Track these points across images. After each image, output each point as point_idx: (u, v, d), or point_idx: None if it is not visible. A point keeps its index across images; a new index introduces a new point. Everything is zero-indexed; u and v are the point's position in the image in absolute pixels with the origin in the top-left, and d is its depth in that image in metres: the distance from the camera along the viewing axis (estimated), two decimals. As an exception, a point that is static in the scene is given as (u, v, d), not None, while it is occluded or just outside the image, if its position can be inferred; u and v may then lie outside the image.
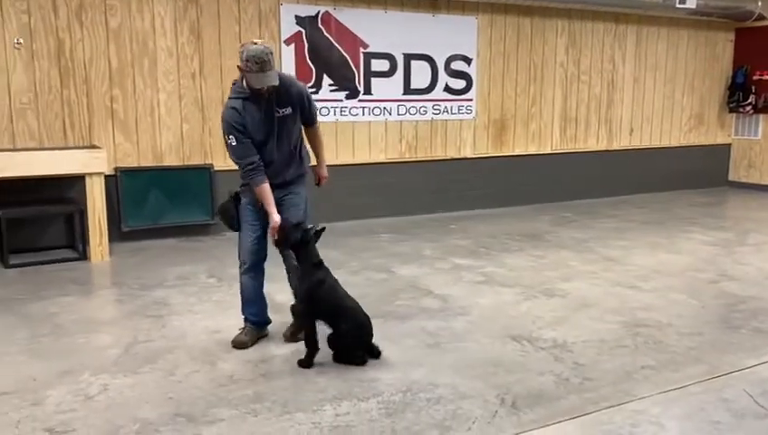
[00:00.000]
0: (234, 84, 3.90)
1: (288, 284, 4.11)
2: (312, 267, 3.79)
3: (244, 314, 4.16)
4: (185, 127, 6.96)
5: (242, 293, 4.15)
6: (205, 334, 4.27)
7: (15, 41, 6.09)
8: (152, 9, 6.64)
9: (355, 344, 3.74)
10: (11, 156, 5.79)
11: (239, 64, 3.69)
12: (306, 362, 3.74)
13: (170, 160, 6.93)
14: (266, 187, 3.82)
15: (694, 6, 9.00)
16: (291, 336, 4.08)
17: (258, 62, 3.59)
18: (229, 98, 3.87)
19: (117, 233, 6.56)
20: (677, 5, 8.85)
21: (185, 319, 4.57)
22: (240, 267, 4.10)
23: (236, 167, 3.91)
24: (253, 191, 3.89)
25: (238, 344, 4.03)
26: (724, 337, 4.29)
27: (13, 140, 6.19)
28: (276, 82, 3.70)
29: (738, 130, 10.84)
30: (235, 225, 4.06)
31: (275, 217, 3.81)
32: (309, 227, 3.85)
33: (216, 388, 3.51)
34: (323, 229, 3.86)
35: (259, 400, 3.37)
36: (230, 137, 3.78)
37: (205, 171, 7.04)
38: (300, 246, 3.80)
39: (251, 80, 3.67)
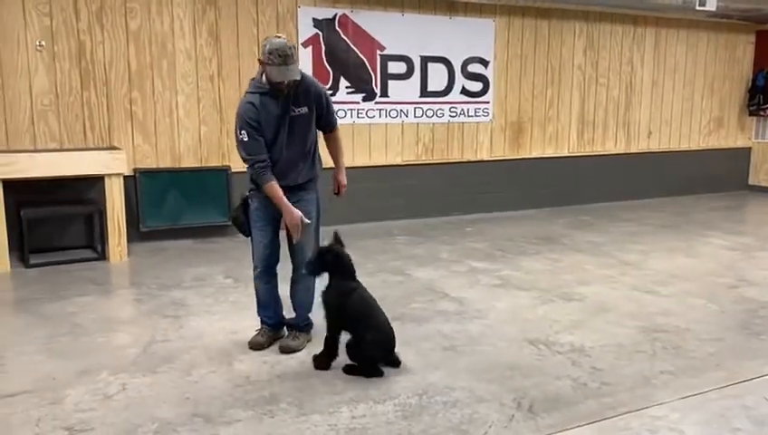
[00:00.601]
0: (252, 80, 3.87)
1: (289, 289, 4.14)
2: (346, 279, 3.76)
3: (259, 315, 4.18)
4: (203, 129, 7.01)
5: (256, 296, 4.14)
6: (221, 335, 4.30)
7: (37, 43, 6.17)
8: (171, 11, 6.70)
9: (379, 356, 3.70)
10: (32, 157, 5.87)
11: (260, 57, 3.68)
12: (324, 365, 3.74)
13: (188, 162, 6.98)
14: (275, 184, 3.77)
15: (714, 9, 8.90)
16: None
17: (281, 55, 3.57)
18: (247, 92, 3.83)
19: (135, 233, 6.62)
20: (697, 8, 8.75)
21: (202, 319, 4.60)
22: (253, 271, 4.09)
23: (245, 165, 3.88)
24: (261, 191, 3.85)
25: (255, 346, 4.04)
26: (745, 343, 4.24)
27: (34, 141, 6.27)
28: (298, 77, 3.68)
29: (758, 134, 10.72)
30: (246, 230, 4.04)
31: (295, 212, 3.78)
32: (332, 247, 3.77)
33: (232, 388, 3.52)
34: (336, 232, 3.83)
35: (275, 401, 3.38)
36: (242, 132, 3.73)
37: (222, 173, 7.08)
38: (333, 267, 3.76)
39: (273, 73, 3.63)
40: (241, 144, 3.78)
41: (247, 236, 4.07)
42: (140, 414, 3.24)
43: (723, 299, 5.10)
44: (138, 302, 5.09)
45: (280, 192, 3.78)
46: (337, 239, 3.80)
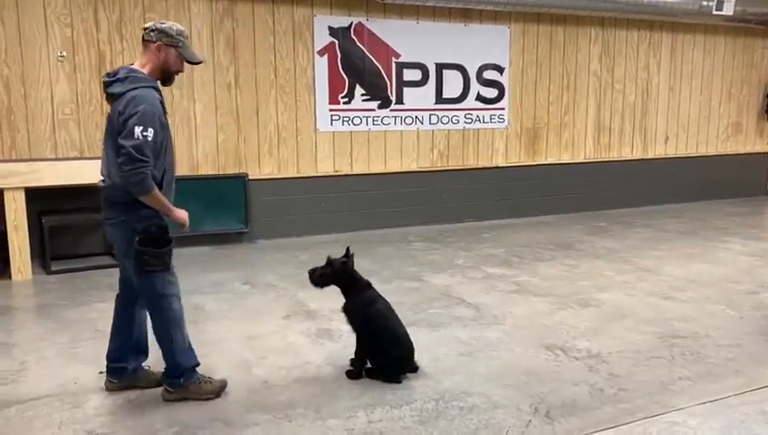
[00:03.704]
0: (128, 72, 3.28)
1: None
2: (364, 290, 3.77)
3: (191, 364, 3.48)
4: (220, 137, 7.08)
5: (184, 339, 3.47)
6: (239, 340, 4.34)
7: (59, 54, 6.29)
8: (189, 22, 6.78)
9: (401, 369, 3.72)
10: (53, 165, 5.97)
11: (161, 42, 3.28)
12: (355, 374, 3.73)
13: (206, 170, 7.05)
14: (157, 190, 3.29)
15: (731, 13, 8.87)
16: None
17: (187, 36, 3.40)
18: (142, 87, 3.24)
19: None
20: (714, 12, 8.73)
21: (220, 325, 4.64)
22: (176, 310, 3.45)
23: (128, 165, 3.14)
24: (146, 212, 3.32)
25: (220, 390, 3.53)
26: (764, 349, 4.19)
27: (55, 149, 6.37)
28: None
29: (777, 139, 10.63)
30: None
31: (182, 214, 3.50)
32: (342, 259, 3.74)
33: (250, 393, 3.55)
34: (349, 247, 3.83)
35: (293, 405, 3.41)
36: (150, 130, 3.15)
37: (240, 180, 7.15)
38: (343, 278, 3.75)
39: (188, 55, 3.39)
40: (141, 144, 3.13)
41: (166, 272, 3.41)
42: (160, 418, 3.28)
43: (741, 305, 5.06)
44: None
45: (163, 198, 3.33)
46: (347, 254, 3.78)
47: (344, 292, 3.79)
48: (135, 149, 3.13)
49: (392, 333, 3.71)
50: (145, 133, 3.15)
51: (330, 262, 3.74)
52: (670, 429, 3.17)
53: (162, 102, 3.33)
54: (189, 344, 3.51)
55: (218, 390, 3.52)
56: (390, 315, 3.78)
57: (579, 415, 3.30)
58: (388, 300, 3.85)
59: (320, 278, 3.73)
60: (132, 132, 3.14)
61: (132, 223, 3.31)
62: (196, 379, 3.50)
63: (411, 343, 3.78)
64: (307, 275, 3.79)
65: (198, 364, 3.54)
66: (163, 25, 3.34)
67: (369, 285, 3.82)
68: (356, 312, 3.73)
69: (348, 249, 3.81)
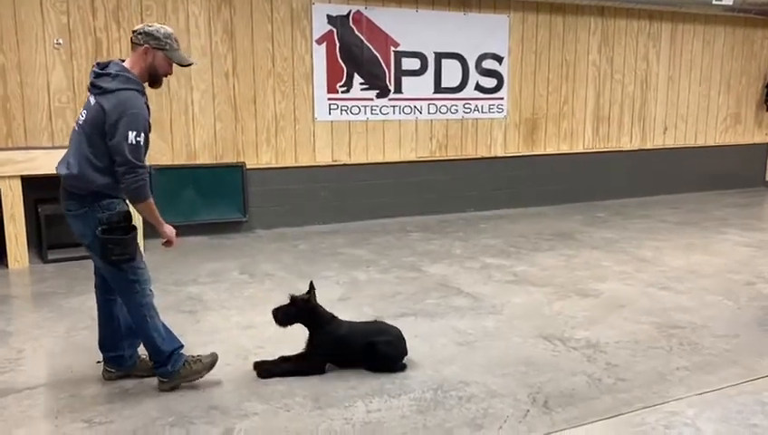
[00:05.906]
0: (120, 70, 3.25)
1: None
2: (328, 323, 3.71)
3: (174, 347, 3.48)
4: (218, 125, 7.05)
5: (161, 326, 3.48)
6: (237, 329, 4.33)
7: (55, 41, 6.24)
8: (186, 9, 6.74)
9: (398, 353, 3.72)
10: (49, 153, 5.90)
11: (148, 45, 3.27)
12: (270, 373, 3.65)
13: (203, 159, 7.03)
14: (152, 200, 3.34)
15: (731, 3, 8.84)
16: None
17: (177, 39, 3.40)
18: (132, 89, 3.23)
19: (151, 229, 6.66)
20: (714, 2, 8.69)
21: (218, 314, 4.64)
22: (149, 296, 3.48)
23: (131, 173, 3.17)
24: (120, 206, 3.33)
25: (212, 364, 3.55)
26: (761, 339, 4.20)
27: (51, 138, 6.34)
28: None
29: (776, 130, 10.63)
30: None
31: (170, 229, 3.50)
32: (305, 295, 3.67)
33: (248, 382, 3.55)
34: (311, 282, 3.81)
35: (291, 395, 3.40)
36: (141, 135, 3.18)
37: (237, 169, 7.13)
38: (307, 315, 3.68)
39: (176, 57, 3.37)
40: (136, 149, 3.17)
41: (132, 261, 3.38)
42: (157, 407, 3.28)
43: (739, 295, 5.06)
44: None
45: (156, 209, 3.37)
46: (311, 288, 3.73)
47: (309, 329, 3.69)
48: (133, 155, 3.16)
49: (368, 329, 3.77)
50: (138, 139, 3.17)
51: (293, 300, 3.68)
52: (668, 419, 3.17)
53: (148, 106, 3.31)
54: (168, 329, 3.51)
55: (210, 364, 3.52)
56: (356, 323, 3.84)
57: (577, 405, 3.30)
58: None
59: (284, 317, 3.66)
60: (126, 137, 3.14)
61: (96, 213, 3.28)
62: (183, 361, 3.49)
63: (395, 328, 3.80)
64: (271, 315, 3.69)
65: (182, 346, 3.52)
66: (150, 28, 3.33)
67: (332, 317, 3.76)
68: (324, 346, 3.66)
69: (311, 284, 3.76)
